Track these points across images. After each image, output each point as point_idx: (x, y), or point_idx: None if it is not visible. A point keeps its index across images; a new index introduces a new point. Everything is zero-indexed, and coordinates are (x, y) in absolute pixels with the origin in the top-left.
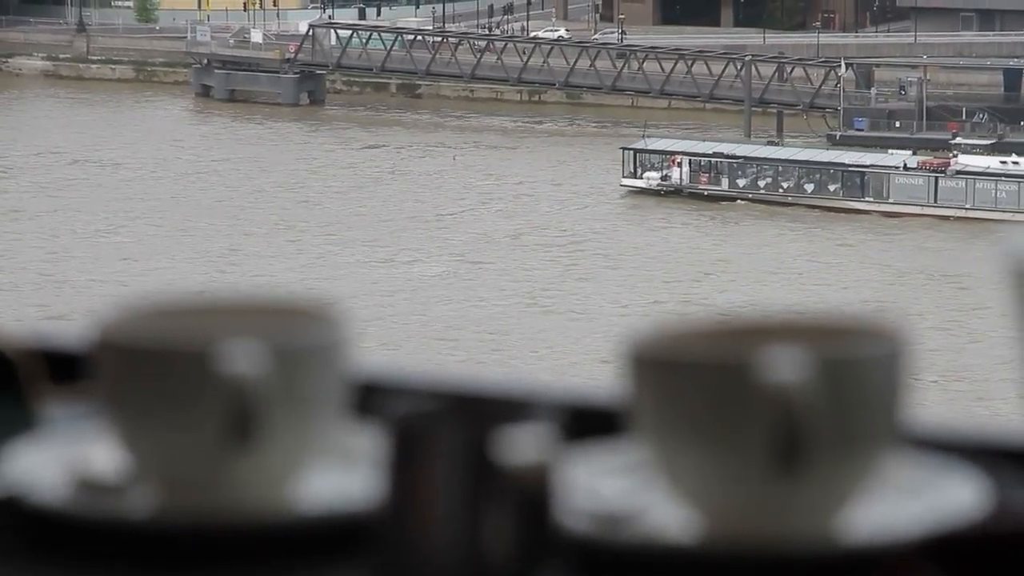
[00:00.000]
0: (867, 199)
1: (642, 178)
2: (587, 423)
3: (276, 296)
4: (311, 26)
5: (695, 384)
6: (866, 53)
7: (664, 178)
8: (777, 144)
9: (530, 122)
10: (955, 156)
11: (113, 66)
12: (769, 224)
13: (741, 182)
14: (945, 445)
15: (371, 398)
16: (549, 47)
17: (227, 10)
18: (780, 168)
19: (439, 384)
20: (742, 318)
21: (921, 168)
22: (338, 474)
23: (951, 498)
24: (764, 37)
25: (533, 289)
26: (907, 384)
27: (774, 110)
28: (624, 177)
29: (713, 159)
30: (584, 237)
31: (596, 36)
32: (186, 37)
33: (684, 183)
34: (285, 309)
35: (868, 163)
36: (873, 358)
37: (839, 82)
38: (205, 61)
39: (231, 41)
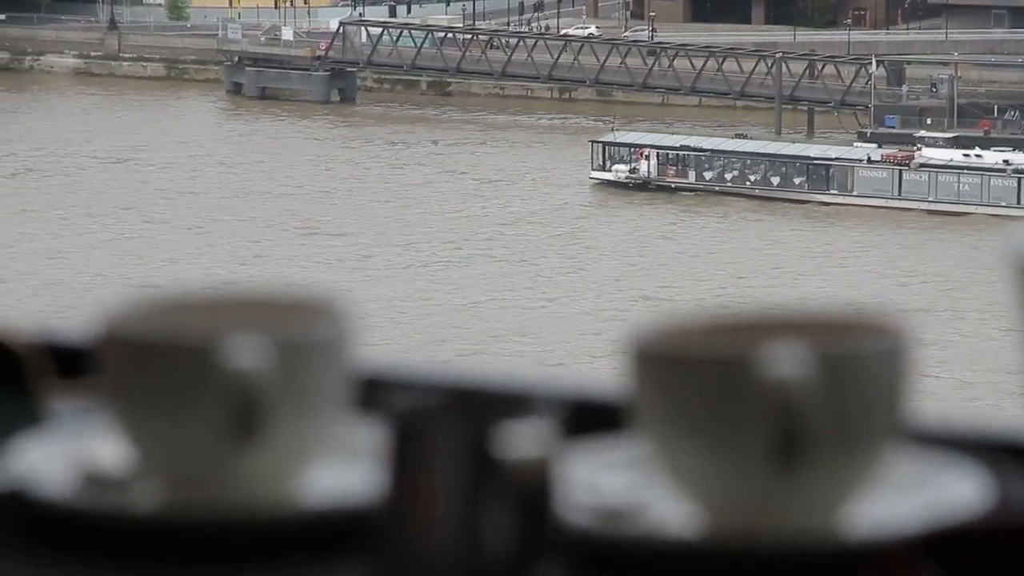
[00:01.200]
0: (832, 192)
1: (611, 171)
2: (588, 418)
3: (280, 291)
4: (342, 24)
5: (695, 379)
6: (897, 50)
7: (632, 171)
8: (745, 138)
9: (558, 119)
10: (919, 149)
11: (144, 64)
12: (735, 216)
13: (708, 175)
14: (947, 441)
15: (374, 393)
16: (580, 45)
17: (258, 7)
18: (747, 161)
19: (440, 379)
20: (744, 314)
21: (885, 161)
22: (341, 469)
23: (952, 494)
24: (795, 34)
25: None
26: (909, 380)
27: (805, 108)
28: (593, 170)
29: (680, 152)
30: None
31: (627, 33)
32: (217, 35)
33: (652, 176)
34: (289, 304)
35: (833, 156)
36: (874, 354)
37: (870, 79)
38: (236, 59)
39: (262, 39)
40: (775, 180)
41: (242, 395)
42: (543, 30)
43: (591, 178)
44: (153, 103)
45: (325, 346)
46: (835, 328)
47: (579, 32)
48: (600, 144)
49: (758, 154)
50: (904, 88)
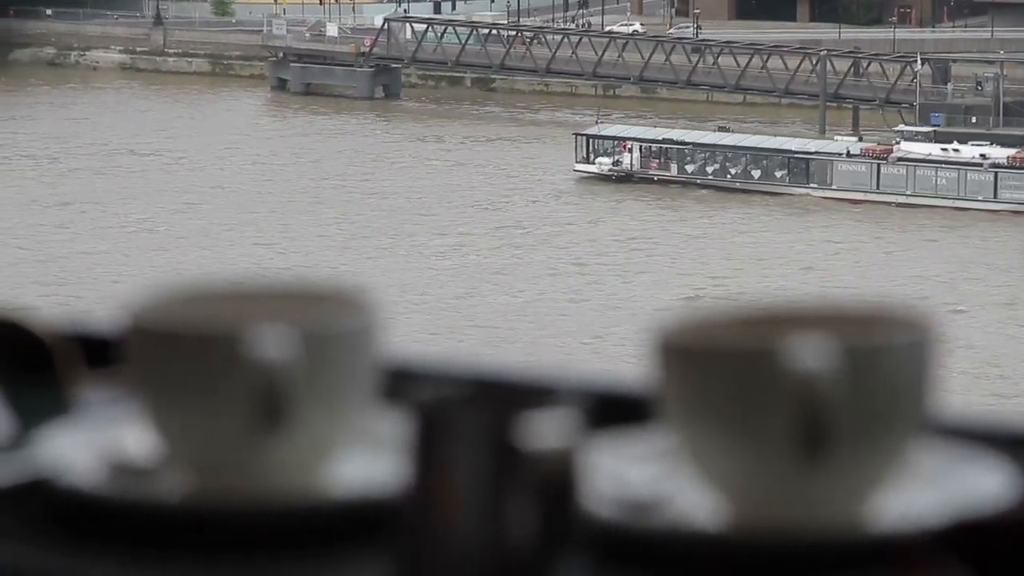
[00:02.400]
0: (812, 185)
1: (594, 163)
2: (613, 410)
3: (308, 281)
4: (387, 20)
5: (720, 372)
6: (943, 48)
7: (616, 163)
8: (728, 131)
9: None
10: (898, 143)
11: (189, 59)
12: (709, 208)
13: (690, 168)
14: (973, 434)
15: (398, 384)
16: (624, 41)
17: (303, 3)
18: (729, 154)
19: (464, 370)
20: (770, 306)
21: (864, 155)
22: (367, 460)
23: (977, 488)
24: (840, 32)
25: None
26: (935, 373)
27: (849, 105)
28: (577, 162)
29: (663, 145)
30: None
31: (671, 31)
32: (262, 31)
33: (635, 168)
34: (316, 294)
35: (813, 150)
36: (900, 346)
37: (915, 77)
38: (281, 55)
39: (307, 35)
40: (756, 173)
41: (268, 385)
42: (587, 27)
43: (575, 171)
44: (198, 99)
45: (351, 337)
46: (860, 321)
47: (623, 29)
48: (584, 137)
49: (739, 147)
50: (949, 86)
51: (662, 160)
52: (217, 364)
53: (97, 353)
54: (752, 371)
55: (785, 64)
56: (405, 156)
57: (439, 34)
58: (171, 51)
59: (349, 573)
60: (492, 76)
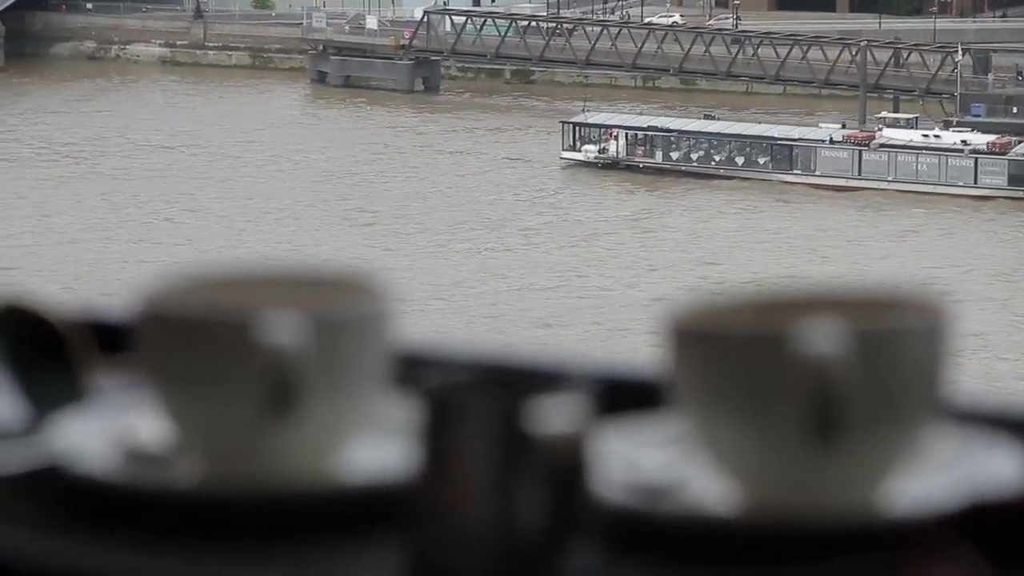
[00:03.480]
0: (795, 172)
1: (580, 151)
2: (625, 395)
3: (320, 267)
4: (426, 13)
5: (732, 356)
6: (983, 38)
7: (601, 151)
8: (713, 118)
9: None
10: (880, 130)
11: (229, 53)
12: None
13: (675, 155)
14: (987, 419)
15: (409, 370)
16: (663, 33)
17: None
18: (714, 142)
19: (475, 356)
20: (783, 290)
21: (847, 142)
22: (378, 446)
23: (991, 472)
24: (880, 22)
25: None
26: (948, 357)
27: (890, 96)
28: (564, 150)
29: (648, 132)
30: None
31: (711, 22)
32: (302, 24)
33: (620, 156)
34: (329, 280)
35: (796, 137)
36: (913, 330)
37: (956, 68)
38: (321, 48)
39: (347, 28)
40: (739, 160)
41: (278, 371)
42: (627, 19)
43: (562, 158)
44: (238, 92)
45: (363, 323)
46: (874, 305)
47: (663, 20)
48: (571, 124)
49: (723, 134)
50: (990, 77)
51: (647, 147)
52: (227, 350)
53: (111, 339)
54: (764, 355)
55: (825, 55)
56: (430, 149)
57: (478, 26)
58: (211, 44)
59: (360, 560)
60: (531, 68)
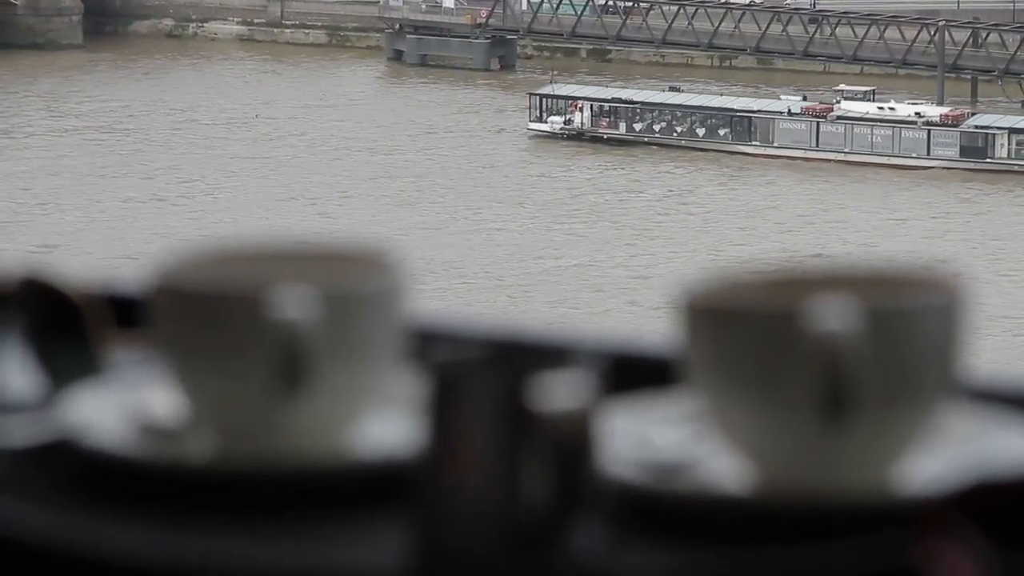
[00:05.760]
0: (754, 143)
1: (546, 122)
2: (635, 373)
3: (335, 242)
4: None
5: (742, 333)
6: None
7: (567, 122)
8: (679, 91)
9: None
10: (838, 103)
11: (306, 31)
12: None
13: (638, 126)
14: (1001, 397)
15: (419, 345)
16: (741, 12)
17: None
18: (678, 113)
19: (485, 331)
20: (797, 268)
21: (804, 114)
22: (388, 422)
23: (1005, 451)
24: (959, 2)
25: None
26: (962, 336)
27: (968, 76)
28: (531, 122)
29: (612, 104)
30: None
31: (789, 1)
32: (379, 2)
33: (585, 127)
34: (342, 256)
35: (755, 108)
36: (926, 308)
37: None
38: (397, 26)
39: (423, 6)
40: (700, 132)
41: (288, 346)
42: None
43: (528, 129)
44: (316, 70)
45: (374, 298)
46: (888, 283)
47: (740, 0)
48: (537, 96)
49: (685, 106)
50: None
51: (612, 119)
52: (238, 325)
53: (128, 313)
54: (777, 333)
55: (902, 35)
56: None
57: (555, 5)
58: (288, 23)
59: (369, 535)
60: (607, 48)
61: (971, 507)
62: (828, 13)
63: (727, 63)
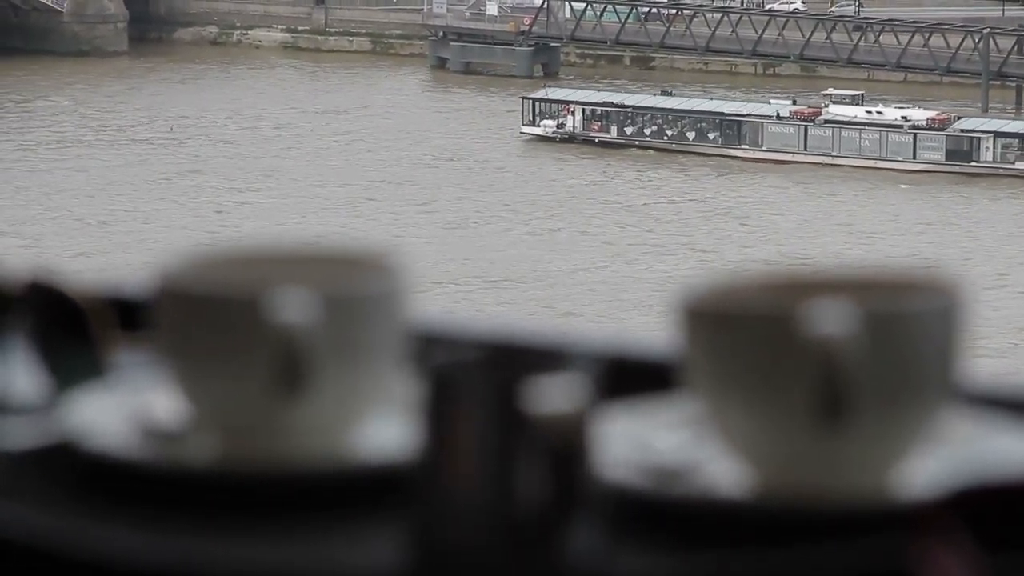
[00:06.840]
0: (743, 147)
1: (539, 126)
2: (633, 376)
3: (336, 245)
4: None
5: (742, 336)
6: None
7: (559, 126)
8: (671, 95)
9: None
10: (826, 106)
11: (350, 38)
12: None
13: (629, 130)
14: (999, 402)
15: (418, 347)
16: (784, 20)
17: None
18: (669, 117)
19: (484, 334)
20: (796, 271)
21: (793, 117)
22: (389, 423)
23: (1003, 454)
24: (1003, 9)
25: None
26: (961, 339)
27: (1013, 84)
28: (524, 125)
29: (603, 108)
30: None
31: (832, 8)
32: (422, 10)
33: (577, 131)
34: (343, 258)
35: (745, 112)
36: (924, 312)
37: None
38: (441, 33)
39: (467, 13)
40: (691, 135)
41: (289, 349)
42: (748, 5)
43: (521, 133)
44: (361, 78)
45: (376, 301)
46: (886, 286)
47: (784, 7)
48: (530, 100)
49: (675, 110)
50: None
51: (603, 123)
52: (239, 328)
53: (132, 316)
54: (775, 336)
55: (947, 42)
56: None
57: (598, 12)
58: (332, 30)
59: (369, 536)
60: (651, 55)
61: (968, 510)
62: (872, 21)
63: (771, 70)
